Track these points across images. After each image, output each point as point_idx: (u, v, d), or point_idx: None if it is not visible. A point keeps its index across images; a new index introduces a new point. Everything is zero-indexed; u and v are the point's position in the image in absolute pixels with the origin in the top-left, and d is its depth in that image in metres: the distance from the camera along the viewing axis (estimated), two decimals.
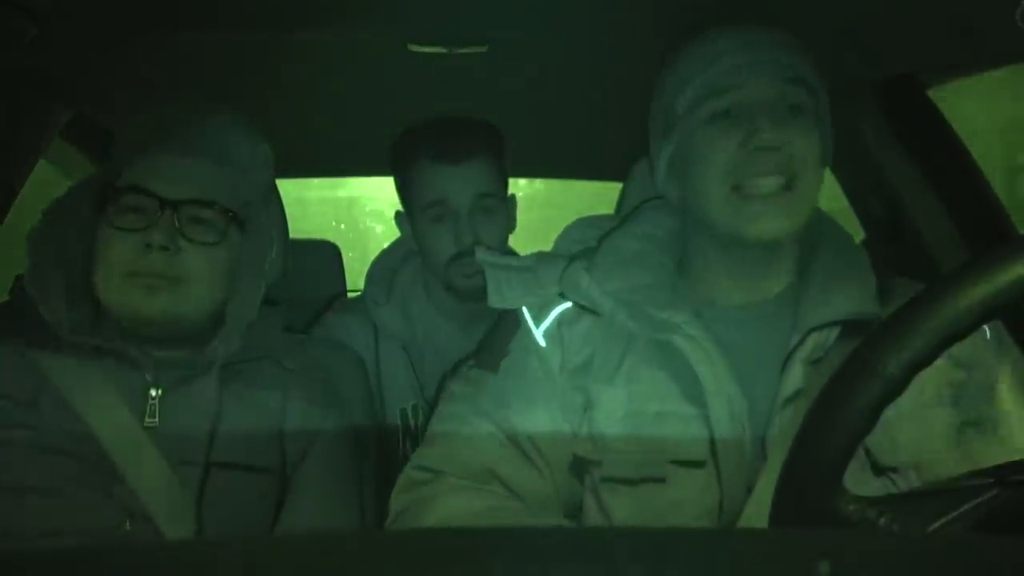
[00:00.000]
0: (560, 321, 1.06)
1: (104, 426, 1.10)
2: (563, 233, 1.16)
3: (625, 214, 1.16)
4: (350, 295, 1.97)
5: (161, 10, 1.22)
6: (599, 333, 1.05)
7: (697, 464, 0.98)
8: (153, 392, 1.14)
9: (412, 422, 1.59)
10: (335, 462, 1.24)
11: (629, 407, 1.01)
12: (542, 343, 1.06)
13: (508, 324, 1.11)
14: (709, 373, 0.98)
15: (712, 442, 0.98)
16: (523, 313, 1.08)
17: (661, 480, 0.98)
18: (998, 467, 0.70)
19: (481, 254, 1.13)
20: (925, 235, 1.42)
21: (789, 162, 0.97)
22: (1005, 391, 1.00)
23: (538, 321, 1.07)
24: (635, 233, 1.10)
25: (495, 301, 1.09)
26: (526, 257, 1.13)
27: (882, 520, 0.62)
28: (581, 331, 1.05)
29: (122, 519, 1.08)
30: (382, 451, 1.50)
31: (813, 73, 1.02)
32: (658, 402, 1.00)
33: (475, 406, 1.06)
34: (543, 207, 4.27)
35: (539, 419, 1.04)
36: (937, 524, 0.62)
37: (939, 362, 0.92)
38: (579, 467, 1.04)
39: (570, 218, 1.18)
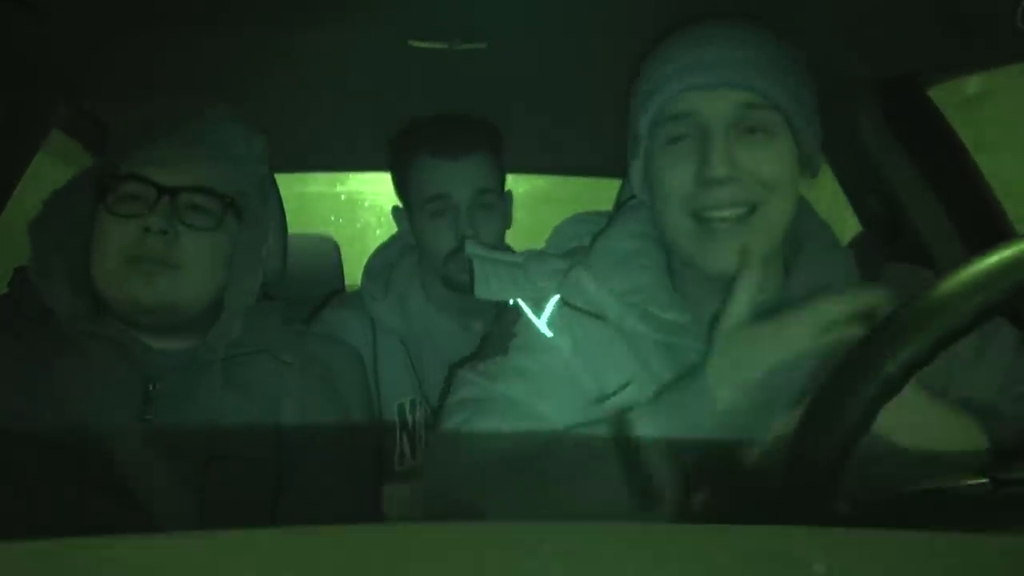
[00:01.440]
0: (559, 310, 1.04)
1: (102, 417, 1.10)
2: (556, 230, 1.14)
3: (621, 209, 1.13)
4: (349, 290, 1.97)
5: (160, 4, 1.22)
6: (602, 333, 1.02)
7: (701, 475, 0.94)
8: (151, 386, 1.14)
9: (410, 417, 1.59)
10: (332, 457, 1.24)
11: (636, 405, 0.97)
12: (548, 333, 1.03)
13: (509, 315, 1.08)
14: (726, 382, 0.92)
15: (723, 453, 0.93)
16: (521, 305, 1.06)
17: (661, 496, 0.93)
18: (994, 467, 0.70)
19: (471, 247, 1.11)
20: (924, 234, 1.42)
21: (748, 189, 0.93)
22: (1006, 395, 0.96)
23: (537, 314, 1.05)
24: (629, 231, 1.07)
25: (481, 291, 1.07)
26: (516, 254, 1.11)
27: (878, 518, 0.62)
28: (584, 328, 1.03)
29: (120, 512, 1.08)
30: (379, 446, 1.50)
31: (786, 83, 0.95)
32: (676, 400, 0.95)
33: (490, 389, 1.02)
34: (543, 203, 4.26)
35: (560, 392, 1.00)
36: (933, 522, 0.62)
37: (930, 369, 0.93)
38: None
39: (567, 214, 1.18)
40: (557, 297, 1.05)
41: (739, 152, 0.93)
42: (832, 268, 1.02)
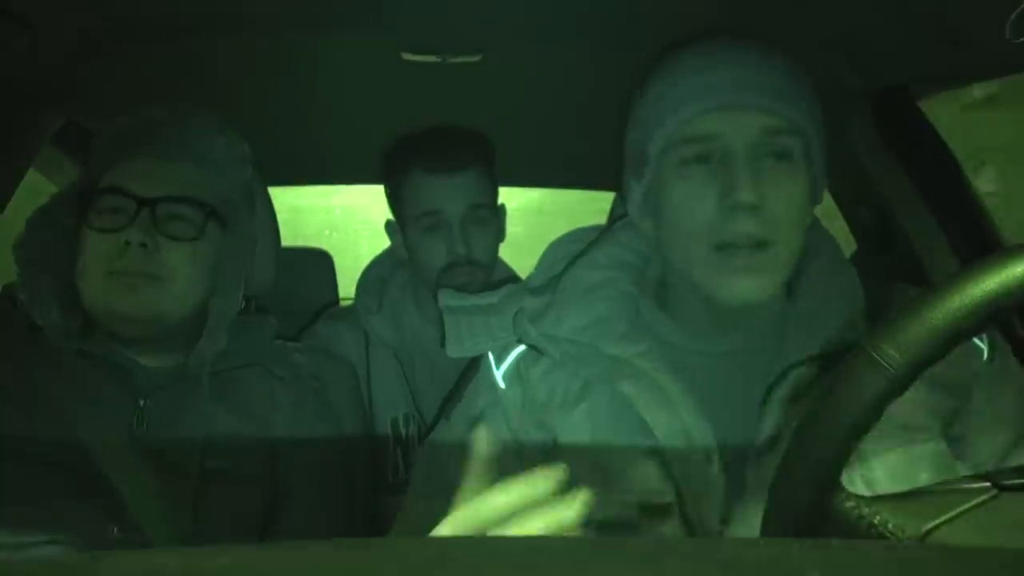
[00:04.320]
0: (520, 361, 1.04)
1: (93, 434, 1.09)
2: (549, 248, 1.13)
3: (601, 233, 1.11)
4: (343, 303, 1.97)
5: (152, 17, 1.22)
6: (559, 371, 1.01)
7: (662, 508, 0.94)
8: (142, 400, 1.14)
9: (403, 431, 1.59)
10: (325, 471, 1.24)
11: (593, 446, 0.97)
12: (502, 385, 1.03)
13: (473, 367, 1.09)
14: (659, 412, 0.94)
15: (675, 484, 0.93)
16: (486, 355, 1.06)
17: (629, 525, 0.94)
18: (996, 471, 0.70)
19: (443, 297, 1.09)
20: (915, 245, 1.42)
21: (770, 218, 0.89)
22: (1004, 417, 0.94)
23: (499, 362, 1.05)
24: (599, 262, 1.06)
25: (453, 351, 1.06)
26: (492, 294, 1.09)
27: (877, 519, 0.62)
28: (541, 369, 1.02)
29: (111, 527, 1.07)
30: (373, 461, 1.50)
31: (807, 109, 0.93)
32: (619, 441, 0.96)
33: (436, 466, 1.03)
34: (536, 215, 4.27)
35: (506, 455, 1.00)
36: (933, 525, 0.62)
37: (924, 392, 0.92)
38: None
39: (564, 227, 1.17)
40: (520, 349, 1.04)
41: (764, 180, 0.89)
42: (838, 288, 0.99)
